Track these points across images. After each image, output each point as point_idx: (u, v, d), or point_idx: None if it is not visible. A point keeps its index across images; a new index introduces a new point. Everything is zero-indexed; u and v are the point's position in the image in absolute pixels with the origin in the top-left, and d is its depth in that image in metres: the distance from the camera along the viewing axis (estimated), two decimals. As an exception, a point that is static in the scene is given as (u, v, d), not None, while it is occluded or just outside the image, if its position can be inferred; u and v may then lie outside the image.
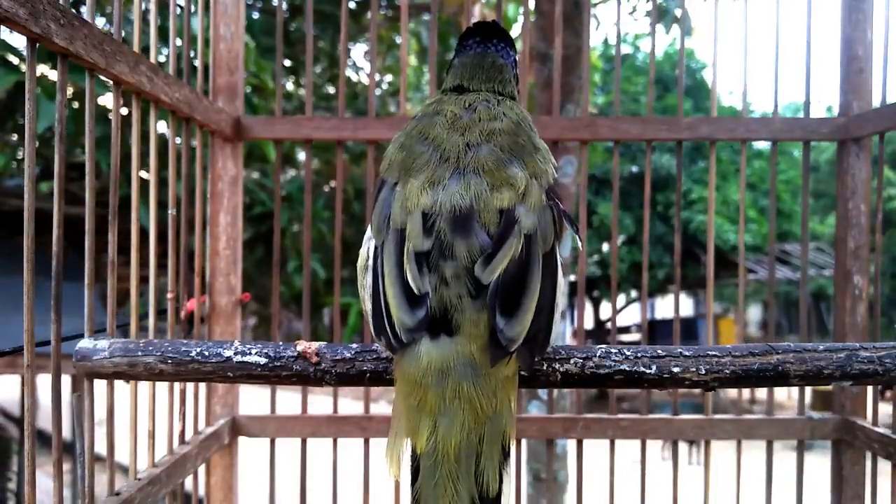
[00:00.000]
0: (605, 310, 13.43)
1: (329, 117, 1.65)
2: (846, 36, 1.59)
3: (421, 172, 0.83)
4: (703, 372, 0.88)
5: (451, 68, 1.02)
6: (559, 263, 0.83)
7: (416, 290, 0.76)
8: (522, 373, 0.80)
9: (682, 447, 6.63)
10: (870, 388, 1.52)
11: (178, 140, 1.32)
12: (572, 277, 5.01)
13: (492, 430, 0.73)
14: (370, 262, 0.84)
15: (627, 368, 0.88)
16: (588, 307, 12.88)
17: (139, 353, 0.90)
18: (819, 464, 2.43)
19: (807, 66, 1.62)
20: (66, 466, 0.92)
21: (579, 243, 0.95)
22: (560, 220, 0.84)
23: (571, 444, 2.85)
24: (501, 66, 0.99)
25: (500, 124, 0.88)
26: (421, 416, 0.73)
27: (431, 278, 0.77)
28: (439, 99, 0.96)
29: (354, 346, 0.89)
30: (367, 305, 0.83)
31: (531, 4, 2.86)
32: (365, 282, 0.85)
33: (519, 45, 1.63)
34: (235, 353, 0.89)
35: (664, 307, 14.89)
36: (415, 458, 0.73)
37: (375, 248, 0.83)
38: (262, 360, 0.89)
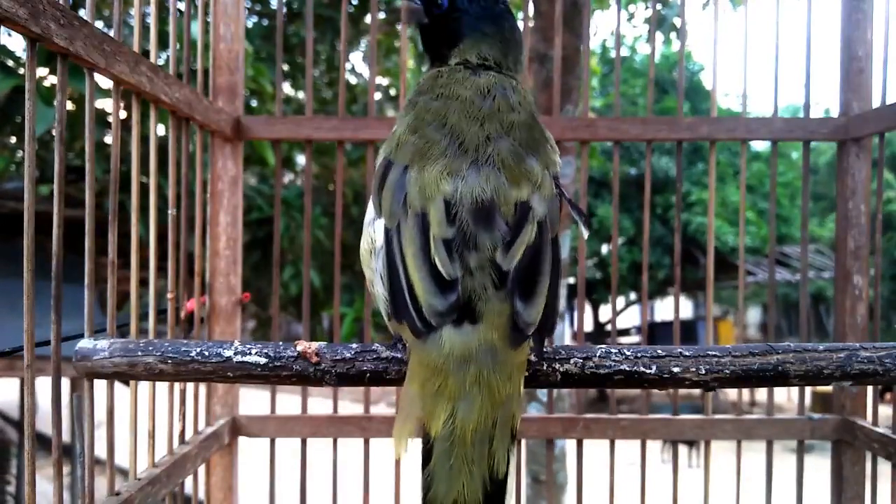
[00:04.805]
0: (604, 313, 13.42)
1: (329, 118, 1.65)
2: (846, 36, 1.59)
3: (438, 160, 0.82)
4: (704, 372, 0.88)
5: (460, 26, 0.95)
6: (560, 250, 0.85)
7: (446, 276, 0.76)
8: (532, 358, 0.81)
9: (682, 449, 6.62)
10: (870, 388, 1.52)
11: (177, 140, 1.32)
12: (571, 280, 4.97)
13: (504, 413, 0.74)
14: (381, 245, 0.83)
15: (627, 368, 0.88)
16: (587, 309, 12.88)
17: (139, 353, 0.90)
18: (819, 465, 2.43)
19: (807, 67, 1.62)
20: (64, 469, 0.92)
21: (585, 232, 0.95)
22: (561, 208, 0.86)
23: (570, 445, 2.85)
24: (516, 36, 0.98)
25: (518, 117, 0.88)
26: (438, 400, 0.73)
27: (458, 266, 0.78)
28: (448, 76, 0.92)
29: (354, 346, 0.89)
30: (378, 289, 0.83)
31: (530, 7, 2.86)
32: (375, 265, 0.84)
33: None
34: (235, 353, 0.89)
35: (663, 309, 14.87)
36: (427, 442, 0.73)
37: (387, 230, 0.82)
38: (262, 360, 0.88)
